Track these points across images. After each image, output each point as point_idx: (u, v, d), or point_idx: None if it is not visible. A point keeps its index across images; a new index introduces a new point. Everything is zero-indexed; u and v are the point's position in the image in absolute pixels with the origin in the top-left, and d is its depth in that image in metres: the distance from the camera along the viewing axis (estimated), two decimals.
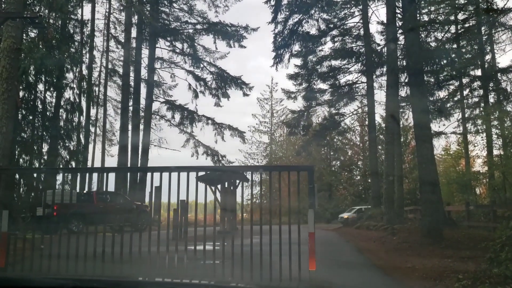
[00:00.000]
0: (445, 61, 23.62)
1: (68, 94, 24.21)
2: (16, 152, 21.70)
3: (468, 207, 17.53)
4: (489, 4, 15.09)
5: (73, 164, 24.91)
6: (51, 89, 23.37)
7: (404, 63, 20.95)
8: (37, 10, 20.72)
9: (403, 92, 26.30)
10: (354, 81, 29.19)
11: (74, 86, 24.40)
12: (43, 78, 22.72)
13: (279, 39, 25.52)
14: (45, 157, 22.85)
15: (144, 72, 30.48)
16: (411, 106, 15.58)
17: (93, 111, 31.45)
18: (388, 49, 22.37)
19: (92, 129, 31.93)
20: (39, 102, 23.50)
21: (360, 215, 34.08)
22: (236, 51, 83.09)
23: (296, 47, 27.19)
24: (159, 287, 2.00)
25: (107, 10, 33.16)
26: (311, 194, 7.04)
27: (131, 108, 29.41)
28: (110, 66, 35.10)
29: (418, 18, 17.28)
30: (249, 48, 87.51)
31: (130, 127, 28.86)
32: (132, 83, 29.75)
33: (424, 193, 12.44)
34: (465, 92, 27.99)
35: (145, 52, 30.59)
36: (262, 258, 9.53)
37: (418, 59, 13.48)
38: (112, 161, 41.26)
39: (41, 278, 2.30)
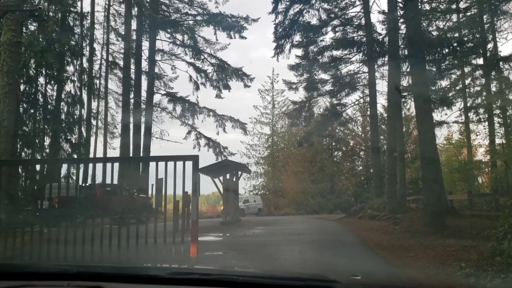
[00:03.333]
0: (446, 50, 23.53)
1: (69, 87, 24.20)
2: (18, 145, 21.73)
3: (470, 196, 17.52)
4: None
5: (75, 157, 24.95)
6: (52, 82, 23.34)
7: (406, 52, 20.88)
8: (36, 3, 20.61)
9: (405, 81, 26.31)
10: (356, 71, 29.07)
11: (75, 79, 24.37)
12: (43, 72, 22.68)
13: (280, 30, 25.31)
14: (47, 151, 22.89)
15: (144, 65, 30.46)
16: (413, 97, 15.48)
17: (94, 104, 31.48)
18: (389, 22, 22.30)
19: (94, 122, 31.97)
20: (40, 96, 23.50)
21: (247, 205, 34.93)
22: (237, 42, 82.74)
23: (297, 38, 27.00)
24: (164, 272, 2.00)
25: (107, 2, 33.02)
26: (194, 183, 7.16)
27: (132, 100, 29.42)
28: (110, 58, 35.04)
29: (419, 6, 17.17)
30: (250, 39, 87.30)
31: (131, 119, 28.90)
32: (133, 76, 29.72)
33: (426, 182, 12.42)
34: (467, 81, 27.95)
35: (145, 44, 30.56)
36: (265, 248, 9.58)
37: (420, 46, 13.38)
38: (114, 154, 41.28)
39: (46, 264, 2.33)
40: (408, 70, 26.65)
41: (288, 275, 2.09)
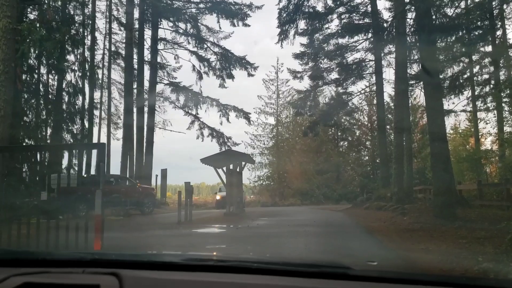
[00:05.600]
0: (458, 35, 23.02)
1: (70, 76, 23.79)
2: (20, 136, 21.43)
3: (480, 185, 17.06)
4: None
5: None
6: (53, 72, 22.93)
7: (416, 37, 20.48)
8: None
9: (411, 70, 25.84)
10: (362, 58, 28.60)
11: (76, 68, 23.95)
12: (44, 61, 22.27)
13: (284, 15, 24.77)
14: (49, 141, 22.57)
15: (147, 54, 30.07)
16: (423, 84, 15.00)
17: (97, 94, 31.16)
18: (396, 7, 21.97)
19: (96, 112, 31.65)
20: (41, 86, 23.11)
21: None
22: (241, 34, 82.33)
23: (302, 25, 26.57)
24: (179, 259, 1.99)
25: None
26: (99, 173, 6.79)
27: (135, 90, 29.13)
28: (113, 48, 34.64)
29: None
30: (255, 30, 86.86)
31: (134, 109, 28.65)
32: (136, 66, 29.40)
33: (436, 171, 11.97)
34: (475, 70, 27.46)
35: (148, 34, 30.14)
36: (269, 240, 9.22)
37: (430, 29, 12.86)
38: (118, 144, 41.03)
39: (62, 252, 2.36)
40: (416, 57, 26.31)
41: (303, 262, 2.10)
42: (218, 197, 30.29)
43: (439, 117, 12.35)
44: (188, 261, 1.93)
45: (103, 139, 35.00)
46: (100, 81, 33.59)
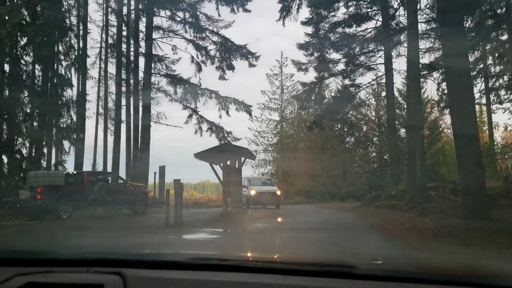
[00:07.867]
0: (470, 25, 21.56)
1: (57, 66, 22.15)
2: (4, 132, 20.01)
3: (506, 183, 15.37)
4: None
5: (66, 143, 23.13)
6: (38, 61, 21.21)
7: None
8: None
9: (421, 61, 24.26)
10: (370, 49, 26.96)
11: (62, 57, 22.30)
12: (28, 49, 20.59)
13: None
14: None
15: (142, 43, 28.49)
16: (445, 70, 13.27)
17: (95, 89, 29.70)
18: None
19: (92, 106, 30.18)
20: (26, 76, 21.44)
21: None
22: (244, 32, 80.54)
23: (306, 13, 24.98)
24: (183, 258, 1.97)
25: None
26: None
27: (131, 81, 27.64)
28: (110, 41, 33.17)
29: None
30: (259, 26, 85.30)
31: (124, 101, 27.24)
32: (132, 57, 27.93)
33: (466, 166, 10.19)
34: (488, 61, 26.28)
35: (143, 22, 28.54)
36: (268, 251, 7.55)
37: (457, 7, 11.14)
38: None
39: (66, 251, 2.35)
40: (428, 46, 24.81)
41: (307, 261, 2.07)
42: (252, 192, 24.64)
43: (470, 102, 10.63)
44: (192, 260, 1.93)
45: (100, 135, 33.62)
46: (97, 74, 32.21)
